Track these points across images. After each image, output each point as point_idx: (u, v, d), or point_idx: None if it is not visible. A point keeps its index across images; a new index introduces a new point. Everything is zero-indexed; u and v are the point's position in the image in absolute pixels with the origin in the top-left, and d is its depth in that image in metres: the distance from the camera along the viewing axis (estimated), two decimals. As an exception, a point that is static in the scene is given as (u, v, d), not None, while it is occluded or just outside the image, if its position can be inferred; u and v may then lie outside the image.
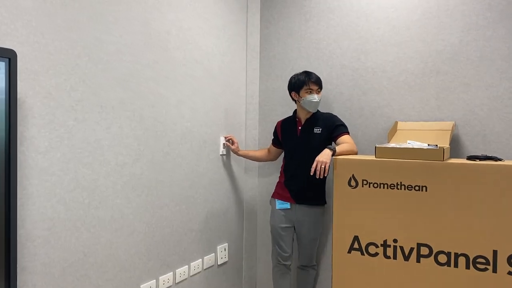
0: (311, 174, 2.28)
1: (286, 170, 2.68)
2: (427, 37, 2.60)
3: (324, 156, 2.29)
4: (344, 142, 2.45)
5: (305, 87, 2.54)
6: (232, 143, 2.83)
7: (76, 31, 1.79)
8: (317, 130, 2.57)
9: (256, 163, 3.09)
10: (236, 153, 2.85)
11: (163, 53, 2.28)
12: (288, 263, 2.68)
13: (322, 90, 2.65)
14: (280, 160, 2.84)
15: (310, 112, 2.61)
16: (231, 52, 2.91)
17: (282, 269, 2.69)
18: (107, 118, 1.95)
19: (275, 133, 2.81)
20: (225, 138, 2.84)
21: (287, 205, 2.63)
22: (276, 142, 2.81)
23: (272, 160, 2.90)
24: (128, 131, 2.07)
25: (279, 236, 2.65)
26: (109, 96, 1.96)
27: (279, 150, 2.82)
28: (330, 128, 2.55)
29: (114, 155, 1.99)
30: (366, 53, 2.78)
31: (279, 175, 2.78)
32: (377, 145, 2.24)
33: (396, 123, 2.61)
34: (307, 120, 2.62)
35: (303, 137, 2.60)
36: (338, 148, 2.36)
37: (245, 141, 3.12)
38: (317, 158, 2.29)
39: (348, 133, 2.54)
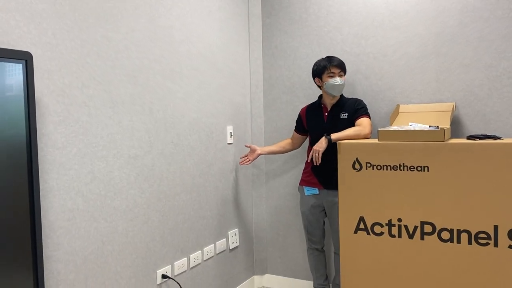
0: (308, 161, 2.38)
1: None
2: (426, 20, 2.65)
3: (318, 144, 2.43)
4: (359, 125, 2.51)
5: (326, 72, 2.57)
6: (254, 151, 2.79)
7: (85, 31, 1.87)
8: (343, 115, 2.60)
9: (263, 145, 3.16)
10: (260, 154, 2.82)
11: (168, 48, 2.35)
12: (318, 246, 2.78)
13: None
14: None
15: (335, 96, 2.63)
16: (234, 44, 2.98)
17: (314, 252, 2.80)
18: (119, 112, 2.04)
19: (299, 120, 2.82)
20: (244, 158, 2.82)
21: (315, 191, 2.69)
22: (299, 129, 2.82)
23: (295, 149, 2.92)
24: (139, 124, 2.15)
25: (309, 222, 2.74)
26: (119, 92, 2.04)
27: (303, 136, 2.84)
28: (353, 112, 2.58)
29: (127, 148, 2.09)
30: (367, 38, 2.83)
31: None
32: (379, 129, 2.31)
33: (398, 106, 2.67)
34: (333, 106, 2.64)
35: (330, 123, 2.62)
36: (341, 133, 2.44)
37: (251, 129, 3.20)
38: (313, 147, 2.42)
39: (366, 115, 2.56)
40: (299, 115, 2.82)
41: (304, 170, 2.78)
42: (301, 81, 3.07)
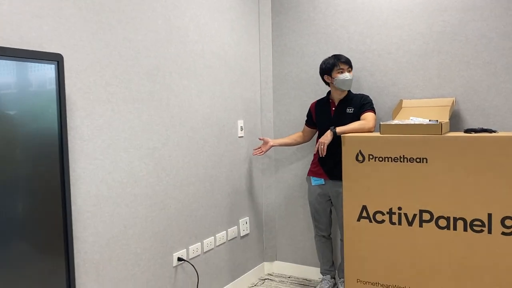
0: (314, 153, 2.54)
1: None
2: (428, 19, 2.77)
3: (324, 137, 2.61)
4: (364, 119, 2.66)
5: (336, 68, 2.72)
6: (267, 143, 2.96)
7: (108, 33, 2.05)
8: (349, 110, 2.76)
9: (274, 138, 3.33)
10: (272, 146, 2.99)
11: (183, 48, 2.52)
12: (325, 233, 2.95)
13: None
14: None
15: (343, 92, 2.78)
16: (245, 42, 3.14)
17: (321, 239, 2.97)
18: (138, 108, 2.22)
19: (309, 114, 2.98)
20: (257, 149, 2.99)
21: (321, 181, 2.86)
22: (310, 122, 2.99)
23: (306, 141, 3.08)
24: (156, 118, 2.33)
25: (316, 210, 2.92)
26: (139, 89, 2.22)
27: (313, 130, 3.00)
28: (359, 107, 2.73)
29: (146, 141, 2.27)
30: (372, 36, 2.96)
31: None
32: (381, 123, 2.45)
33: (401, 101, 2.80)
34: (340, 101, 2.80)
35: (336, 117, 2.78)
36: (346, 127, 2.60)
37: (261, 123, 3.36)
38: (319, 140, 2.59)
39: (371, 110, 2.70)
40: (309, 110, 2.98)
41: (312, 161, 2.95)
42: (309, 77, 3.21)
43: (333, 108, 2.83)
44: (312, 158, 3.14)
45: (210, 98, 2.76)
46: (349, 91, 2.81)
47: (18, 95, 1.58)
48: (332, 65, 2.74)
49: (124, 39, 2.13)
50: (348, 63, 2.75)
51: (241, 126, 3.09)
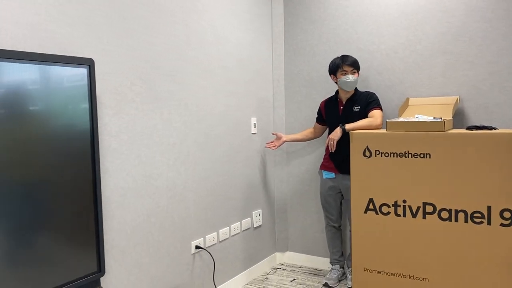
0: (325, 149, 2.71)
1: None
2: (433, 21, 2.89)
3: (333, 134, 2.77)
4: (371, 117, 2.81)
5: (340, 70, 2.88)
6: (279, 139, 3.15)
7: (132, 38, 2.22)
8: (356, 108, 2.91)
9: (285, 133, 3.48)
10: (285, 141, 3.17)
11: (201, 49, 2.69)
12: (336, 224, 3.13)
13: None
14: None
15: (348, 92, 2.93)
16: (258, 42, 3.29)
17: (331, 230, 3.15)
18: (160, 107, 2.39)
19: (319, 112, 3.14)
20: (270, 143, 3.17)
21: (332, 175, 3.04)
22: (320, 120, 3.15)
23: (317, 137, 3.24)
24: (176, 117, 2.51)
25: (327, 202, 3.10)
26: (160, 89, 2.40)
27: (323, 126, 3.17)
28: (366, 105, 2.87)
29: (166, 137, 2.45)
30: (380, 36, 3.09)
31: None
32: (387, 120, 2.59)
33: (408, 99, 2.93)
34: (348, 100, 2.95)
35: (344, 116, 2.94)
36: (355, 124, 2.76)
37: (273, 120, 3.52)
38: (329, 136, 2.75)
39: (378, 107, 2.84)
40: (319, 108, 3.14)
41: (324, 156, 3.12)
42: (319, 75, 3.35)
43: (341, 107, 2.97)
44: (322, 153, 3.30)
45: (225, 96, 2.93)
46: (356, 90, 2.96)
47: (54, 96, 1.76)
48: (337, 67, 2.89)
49: (146, 43, 2.30)
50: (353, 65, 2.87)
51: (254, 123, 3.25)
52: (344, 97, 2.97)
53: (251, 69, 3.20)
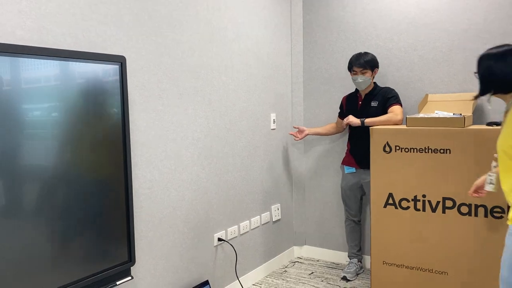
0: (344, 125, 3.02)
1: (350, 140, 3.12)
2: (454, 18, 2.91)
3: (353, 118, 2.89)
4: (391, 112, 2.86)
5: (351, 70, 2.98)
6: (301, 132, 3.20)
7: (159, 36, 2.29)
8: (374, 103, 2.96)
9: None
10: (308, 134, 3.22)
11: (223, 46, 2.75)
12: (355, 218, 3.19)
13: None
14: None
15: (366, 87, 2.98)
16: (277, 39, 3.34)
17: (351, 223, 3.21)
18: (185, 102, 2.46)
19: (341, 107, 3.21)
20: (294, 133, 3.24)
21: (353, 170, 3.11)
22: (341, 114, 3.20)
23: (339, 132, 3.29)
24: (200, 112, 2.57)
25: (347, 196, 3.17)
26: (185, 85, 2.46)
27: None
28: (384, 101, 2.93)
29: (191, 132, 2.52)
30: (399, 34, 3.12)
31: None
32: (407, 116, 2.63)
33: (427, 95, 2.96)
34: (366, 95, 3.02)
35: (362, 111, 3.00)
36: (374, 119, 2.84)
37: (292, 116, 3.57)
38: (349, 117, 2.91)
39: (397, 103, 2.89)
40: (341, 103, 3.21)
41: (346, 151, 3.18)
42: (338, 72, 3.39)
43: (360, 102, 3.02)
44: (342, 148, 3.35)
45: (246, 92, 2.99)
46: (375, 85, 3.00)
47: (89, 92, 1.83)
48: (349, 67, 2.99)
49: (172, 41, 2.37)
50: (363, 66, 2.91)
51: (274, 119, 3.31)
52: (363, 92, 3.03)
53: (270, 66, 3.26)
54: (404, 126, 2.67)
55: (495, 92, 1.75)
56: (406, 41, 3.10)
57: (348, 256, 3.25)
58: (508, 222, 1.65)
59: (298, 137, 3.22)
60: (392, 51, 3.15)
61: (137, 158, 2.18)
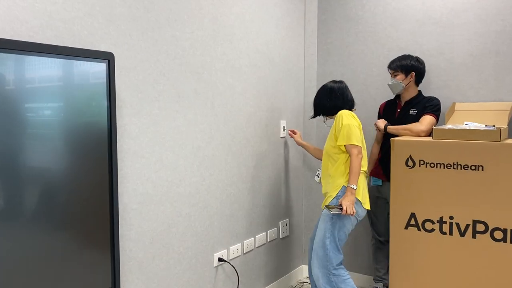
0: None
1: (382, 147, 2.83)
2: (487, 18, 2.62)
3: (380, 122, 2.71)
4: (419, 122, 2.58)
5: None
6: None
7: (156, 31, 2.04)
8: (412, 112, 2.68)
9: (315, 143, 3.25)
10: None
11: (229, 45, 2.49)
12: (382, 238, 2.87)
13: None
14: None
15: (407, 93, 2.71)
16: (289, 39, 3.07)
17: (377, 243, 2.91)
18: (184, 106, 2.21)
19: (378, 114, 2.92)
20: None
21: (379, 182, 2.83)
22: None
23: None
24: (201, 117, 2.31)
25: (373, 212, 2.87)
26: (185, 87, 2.21)
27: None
28: (422, 109, 2.64)
29: (191, 140, 2.25)
30: (423, 35, 2.83)
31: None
32: (434, 127, 2.34)
33: (454, 104, 2.67)
34: (406, 103, 2.74)
35: (399, 118, 2.72)
36: (397, 126, 2.59)
37: (303, 124, 3.29)
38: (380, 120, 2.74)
39: (431, 113, 2.58)
40: (378, 110, 2.93)
41: (375, 160, 2.89)
42: (355, 77, 3.11)
43: (399, 110, 2.76)
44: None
45: (254, 96, 2.72)
46: (419, 93, 2.74)
47: (69, 93, 1.59)
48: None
49: (171, 37, 2.12)
50: (392, 67, 2.69)
51: (284, 126, 3.04)
52: (402, 99, 2.77)
53: (281, 68, 2.99)
54: (429, 138, 2.38)
55: None
56: (432, 44, 2.81)
57: (374, 280, 2.94)
58: None
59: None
60: (416, 54, 2.85)
61: (127, 169, 1.93)
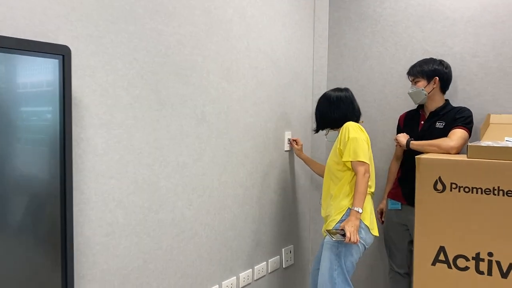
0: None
1: (402, 166, 2.47)
2: (530, 15, 2.22)
3: (402, 137, 2.33)
4: (449, 136, 2.19)
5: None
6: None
7: (132, 22, 1.67)
8: (439, 125, 2.30)
9: (324, 158, 2.87)
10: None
11: (225, 44, 2.11)
12: (401, 270, 2.47)
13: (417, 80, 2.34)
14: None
15: (432, 103, 2.35)
16: (297, 40, 2.70)
17: (395, 276, 2.50)
18: (167, 115, 1.83)
19: (398, 127, 2.55)
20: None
21: (398, 206, 2.44)
22: None
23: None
24: (188, 129, 1.93)
25: (391, 241, 2.49)
26: (168, 92, 1.83)
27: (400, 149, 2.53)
28: (451, 122, 2.27)
29: (175, 156, 1.87)
30: (453, 36, 2.45)
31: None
32: (469, 144, 1.94)
33: (489, 115, 2.28)
34: (431, 114, 2.36)
35: (423, 132, 2.34)
36: (423, 142, 2.22)
37: (311, 136, 2.90)
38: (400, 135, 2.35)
39: (463, 126, 2.21)
40: (398, 123, 2.55)
41: (395, 180, 2.52)
42: (372, 83, 2.73)
43: (422, 122, 2.38)
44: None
45: (254, 104, 2.34)
46: (447, 102, 2.36)
47: (9, 99, 1.21)
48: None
49: (152, 31, 1.74)
50: (411, 74, 2.35)
51: (289, 138, 2.65)
52: (427, 110, 2.38)
53: (287, 71, 2.61)
54: (463, 157, 1.98)
55: None
56: (463, 46, 2.42)
57: (392, 317, 2.53)
58: None
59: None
60: (444, 58, 2.46)
61: (90, 193, 1.54)
